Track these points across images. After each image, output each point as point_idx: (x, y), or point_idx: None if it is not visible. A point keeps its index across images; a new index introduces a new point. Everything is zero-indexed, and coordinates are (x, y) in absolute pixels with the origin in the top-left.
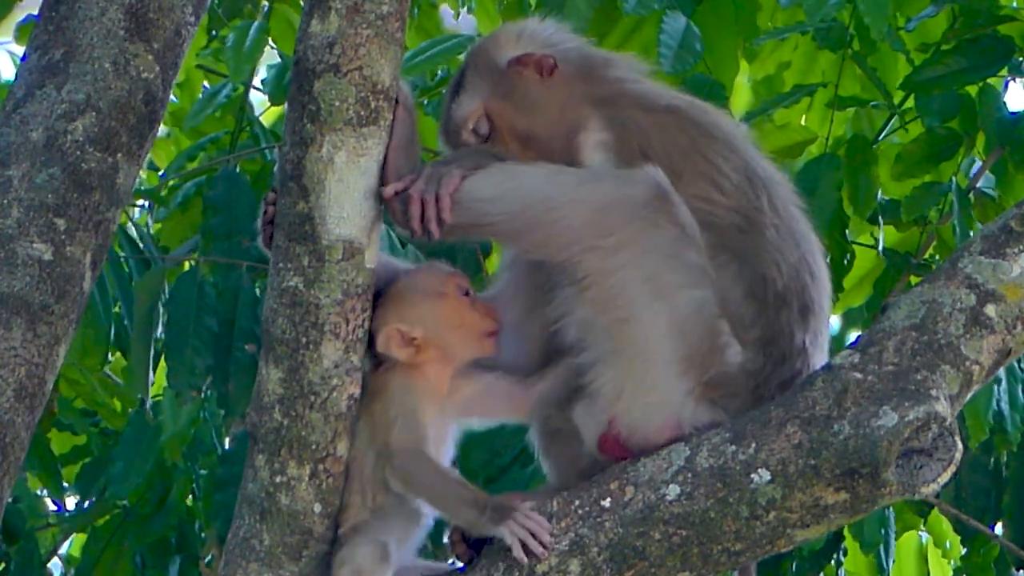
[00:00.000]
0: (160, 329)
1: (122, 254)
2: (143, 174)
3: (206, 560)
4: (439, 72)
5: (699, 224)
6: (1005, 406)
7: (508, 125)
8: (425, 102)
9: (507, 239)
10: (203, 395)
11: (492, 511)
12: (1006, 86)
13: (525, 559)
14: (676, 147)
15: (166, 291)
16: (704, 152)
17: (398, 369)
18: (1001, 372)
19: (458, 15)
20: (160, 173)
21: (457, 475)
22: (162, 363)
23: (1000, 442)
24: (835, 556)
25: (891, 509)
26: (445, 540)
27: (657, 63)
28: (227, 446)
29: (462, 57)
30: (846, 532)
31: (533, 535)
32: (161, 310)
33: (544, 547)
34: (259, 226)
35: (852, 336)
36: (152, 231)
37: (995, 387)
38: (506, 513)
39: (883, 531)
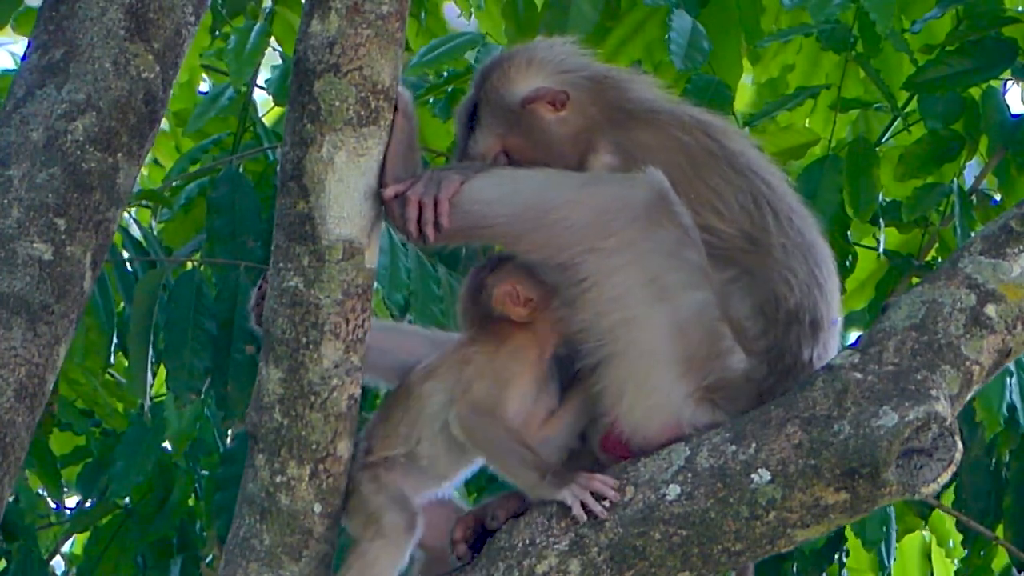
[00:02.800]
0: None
1: (126, 255)
2: (145, 170)
3: (206, 560)
4: (444, 73)
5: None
6: (1017, 398)
7: (526, 158)
8: (431, 100)
9: (507, 242)
10: (202, 397)
11: (553, 475)
12: (1004, 87)
13: (584, 516)
14: (680, 174)
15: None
16: (707, 178)
17: (518, 333)
18: (1012, 365)
19: (469, 16)
20: (168, 170)
21: (524, 439)
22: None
23: (1003, 440)
24: (837, 556)
25: (892, 508)
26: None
27: (661, 62)
28: (228, 446)
29: (470, 58)
30: (848, 531)
31: (597, 496)
32: (159, 312)
33: (606, 507)
34: (251, 306)
35: (853, 336)
36: (156, 231)
37: (1007, 379)
38: (568, 479)
39: (884, 528)
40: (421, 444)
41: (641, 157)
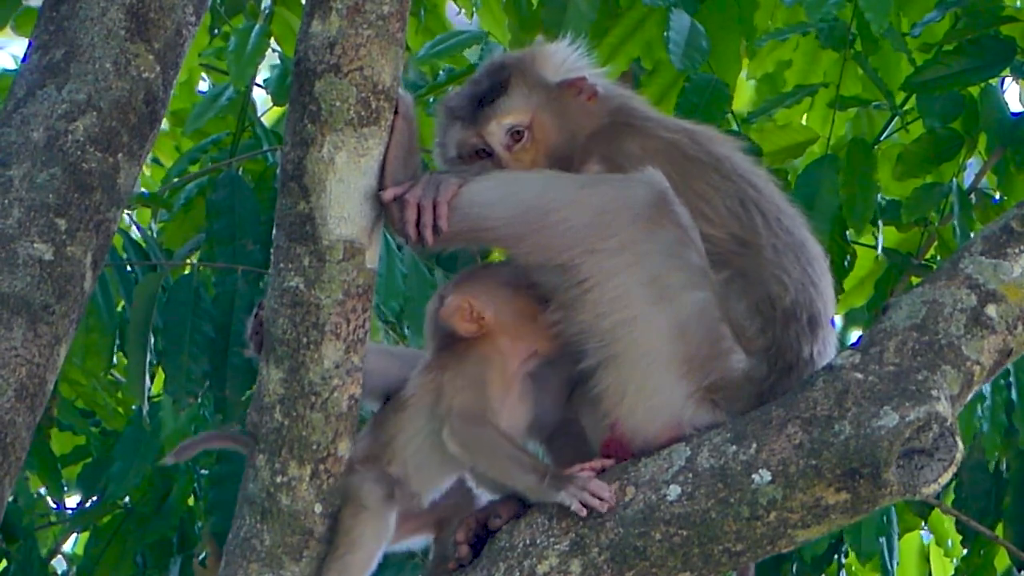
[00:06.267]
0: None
1: (125, 257)
2: (146, 169)
3: (199, 558)
4: (441, 73)
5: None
6: (1019, 423)
7: (546, 138)
8: (431, 99)
9: (507, 244)
10: (199, 400)
11: (552, 478)
12: (1001, 84)
13: (584, 512)
14: (668, 181)
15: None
16: (694, 185)
17: (479, 345)
18: (1014, 395)
19: (471, 15)
20: (168, 170)
21: (518, 443)
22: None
23: (1002, 449)
24: (836, 559)
25: (894, 513)
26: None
27: (660, 61)
28: None
29: (473, 55)
30: (846, 541)
31: (594, 496)
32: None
33: (607, 503)
34: (248, 335)
35: (853, 336)
36: (155, 232)
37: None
38: (566, 480)
39: (882, 539)
40: (393, 464)
41: (628, 166)
